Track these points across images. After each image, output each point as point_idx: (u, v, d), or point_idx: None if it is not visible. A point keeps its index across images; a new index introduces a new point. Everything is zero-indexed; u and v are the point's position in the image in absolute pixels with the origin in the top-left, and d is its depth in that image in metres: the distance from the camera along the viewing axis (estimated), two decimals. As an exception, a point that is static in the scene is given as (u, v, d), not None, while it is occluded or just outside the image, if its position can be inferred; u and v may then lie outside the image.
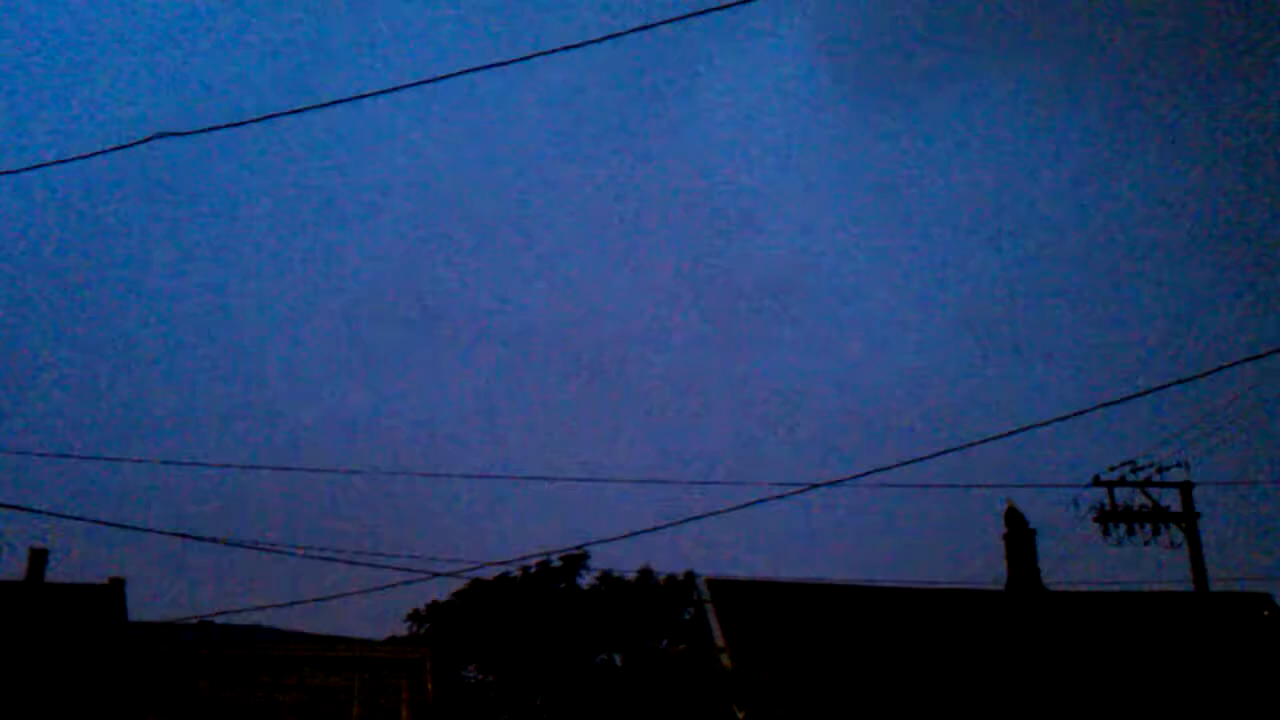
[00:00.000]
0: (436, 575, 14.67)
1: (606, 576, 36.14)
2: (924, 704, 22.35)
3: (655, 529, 12.88)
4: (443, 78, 8.10)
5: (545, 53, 7.84)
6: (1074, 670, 23.48)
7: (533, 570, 35.81)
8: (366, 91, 7.91)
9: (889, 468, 12.39)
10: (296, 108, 7.98)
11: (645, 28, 7.65)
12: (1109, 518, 22.08)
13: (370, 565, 13.28)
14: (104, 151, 8.70)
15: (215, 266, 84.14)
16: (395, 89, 8.19)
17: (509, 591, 36.44)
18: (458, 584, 36.87)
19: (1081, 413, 11.67)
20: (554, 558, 35.96)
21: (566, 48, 7.86)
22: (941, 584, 26.55)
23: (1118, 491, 22.22)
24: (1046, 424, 11.65)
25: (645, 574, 35.63)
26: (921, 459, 12.24)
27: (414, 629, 38.50)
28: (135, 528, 12.63)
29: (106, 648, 27.18)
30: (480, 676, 36.91)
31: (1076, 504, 22.22)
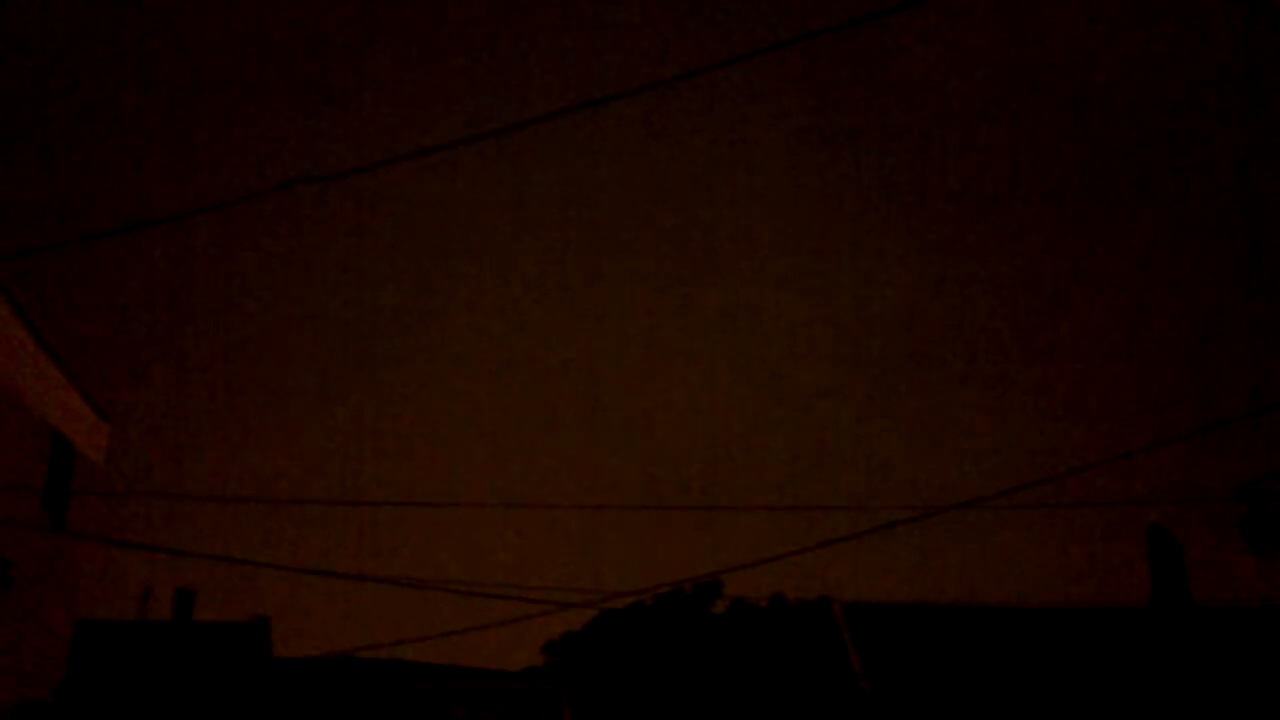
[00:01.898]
0: (569, 606, 14.71)
1: (739, 604, 36.02)
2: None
3: (788, 555, 12.77)
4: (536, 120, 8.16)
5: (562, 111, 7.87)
6: (1228, 689, 22.72)
7: (665, 599, 35.84)
8: (488, 130, 8.01)
9: (1027, 486, 12.11)
10: (419, 150, 8.12)
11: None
12: (1256, 531, 21.34)
13: (504, 597, 13.39)
14: (236, 201, 8.95)
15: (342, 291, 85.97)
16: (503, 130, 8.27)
17: (641, 621, 36.56)
18: (591, 614, 37.02)
19: (1229, 420, 11.27)
20: (686, 586, 35.94)
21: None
22: (1085, 603, 25.97)
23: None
24: (1194, 434, 11.27)
25: (778, 600, 35.45)
26: (1061, 476, 11.94)
27: (549, 660, 38.83)
28: (277, 566, 12.91)
29: (252, 685, 27.80)
30: (616, 707, 37.03)
31: (1220, 518, 21.50)
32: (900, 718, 21.71)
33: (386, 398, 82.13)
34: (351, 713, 28.52)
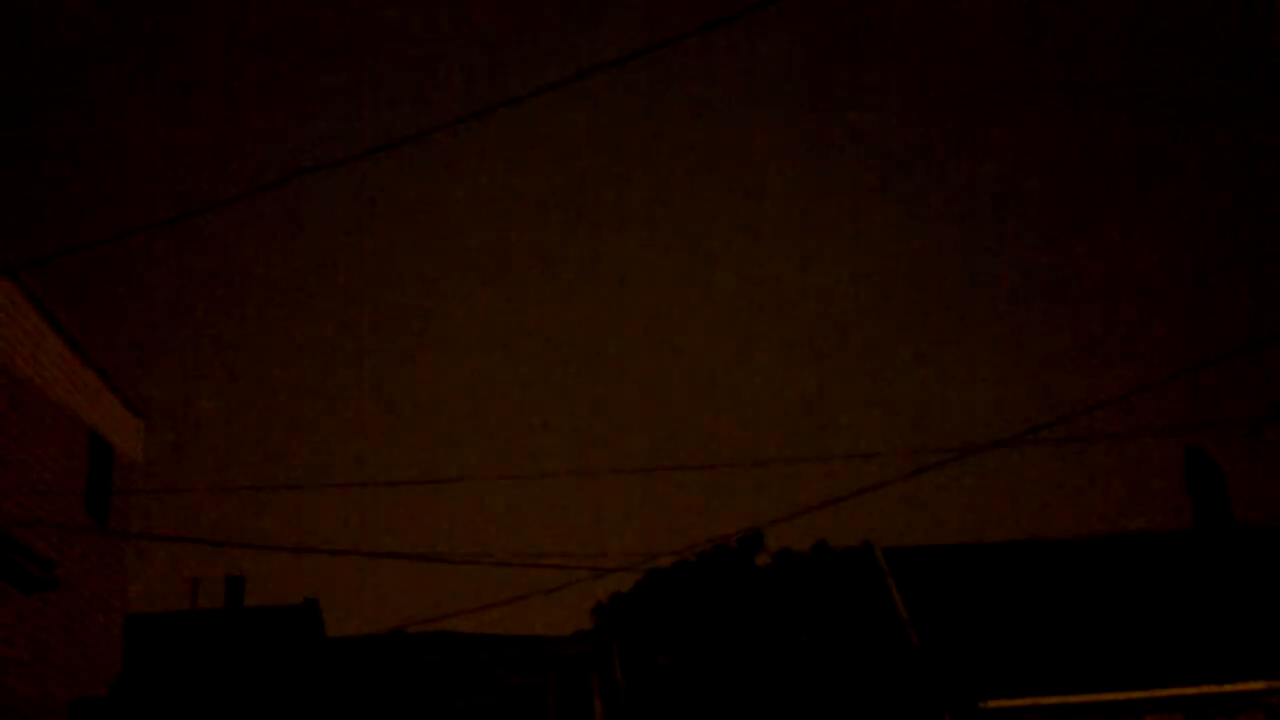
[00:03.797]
0: (614, 570, 14.80)
1: (783, 554, 36.09)
2: (1129, 655, 21.81)
3: (830, 502, 12.77)
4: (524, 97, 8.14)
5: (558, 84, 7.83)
6: (1275, 606, 22.64)
7: (709, 555, 35.94)
8: (492, 105, 8.00)
9: (1063, 420, 12.06)
10: (425, 129, 8.12)
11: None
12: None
13: (551, 565, 13.49)
14: (248, 195, 8.98)
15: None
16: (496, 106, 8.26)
17: (687, 577, 36.70)
18: (638, 575, 37.21)
19: (1259, 344, 11.19)
20: (729, 541, 36.03)
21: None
22: (1128, 531, 25.89)
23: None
24: (1225, 357, 11.18)
25: (820, 548, 35.48)
26: (1095, 408, 11.88)
27: (599, 622, 39.07)
28: (327, 551, 13.03)
29: (305, 666, 28.13)
30: (668, 664, 37.26)
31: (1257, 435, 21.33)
32: (948, 662, 21.72)
33: (419, 379, 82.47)
34: (405, 687, 28.81)
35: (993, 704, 20.65)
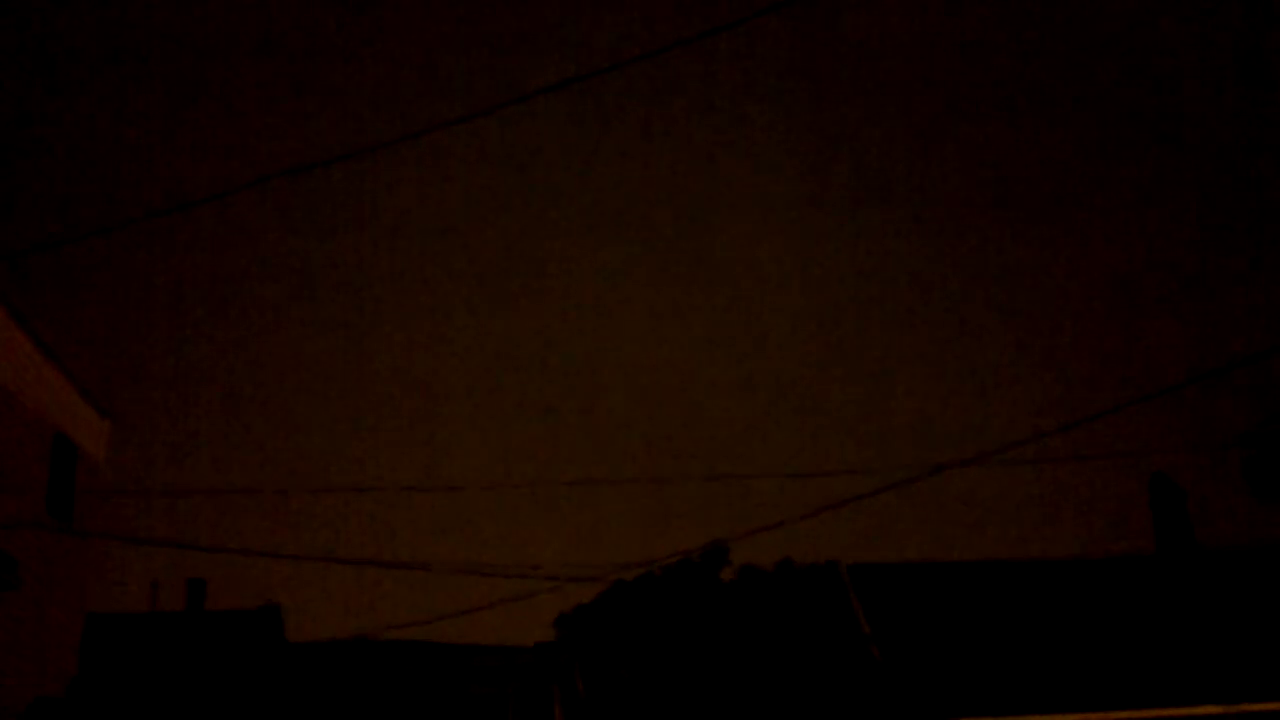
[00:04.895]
0: (579, 580, 14.82)
1: (747, 570, 36.15)
2: (1090, 676, 21.95)
3: (799, 519, 12.81)
4: (506, 104, 8.19)
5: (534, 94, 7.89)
6: (1236, 628, 22.85)
7: (673, 569, 35.94)
8: (472, 114, 8.04)
9: (1022, 442, 12.15)
10: (396, 138, 8.14)
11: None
12: (1259, 475, 21.39)
13: (515, 575, 13.49)
14: (215, 198, 8.97)
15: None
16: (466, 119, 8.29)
17: (651, 590, 36.70)
18: (601, 587, 37.15)
19: (1227, 369, 11.31)
20: (694, 555, 36.03)
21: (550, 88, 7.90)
22: (1091, 553, 26.08)
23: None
24: (1186, 384, 11.29)
25: (786, 565, 35.57)
26: (1058, 431, 11.97)
27: (561, 633, 39.00)
28: (290, 556, 12.99)
29: (265, 670, 27.97)
30: (630, 676, 37.19)
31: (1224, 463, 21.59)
32: (910, 680, 21.80)
33: (387, 387, 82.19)
34: (365, 693, 28.69)
35: (953, 722, 20.73)
